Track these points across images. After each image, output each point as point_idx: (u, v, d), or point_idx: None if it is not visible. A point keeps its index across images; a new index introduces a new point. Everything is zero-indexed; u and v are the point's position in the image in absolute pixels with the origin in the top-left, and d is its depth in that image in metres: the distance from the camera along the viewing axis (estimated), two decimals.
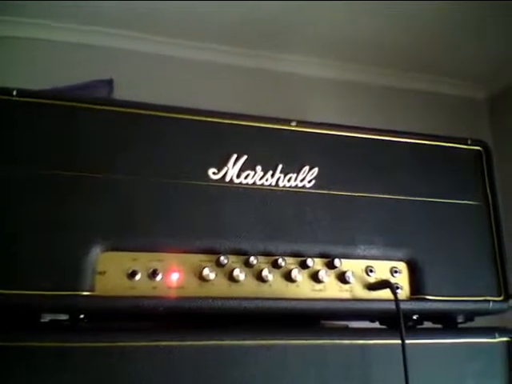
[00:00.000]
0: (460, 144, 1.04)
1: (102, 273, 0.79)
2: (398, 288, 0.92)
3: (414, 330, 0.97)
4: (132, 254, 0.81)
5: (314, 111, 1.91)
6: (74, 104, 0.85)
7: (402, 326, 0.83)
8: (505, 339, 0.95)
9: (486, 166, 1.04)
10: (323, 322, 1.03)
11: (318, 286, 0.89)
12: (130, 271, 0.80)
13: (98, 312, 0.80)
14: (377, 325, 1.08)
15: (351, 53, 2.01)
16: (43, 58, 1.70)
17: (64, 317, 0.80)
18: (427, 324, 1.03)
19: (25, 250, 0.76)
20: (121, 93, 1.39)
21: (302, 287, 0.88)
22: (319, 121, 0.98)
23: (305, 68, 2.03)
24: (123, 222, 0.81)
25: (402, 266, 0.95)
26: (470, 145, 1.05)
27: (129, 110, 0.87)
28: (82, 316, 0.81)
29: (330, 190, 0.93)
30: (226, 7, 1.67)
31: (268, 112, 0.98)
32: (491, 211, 1.02)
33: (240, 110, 0.94)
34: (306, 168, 0.93)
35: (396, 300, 0.85)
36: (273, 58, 1.98)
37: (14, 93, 0.82)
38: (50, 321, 0.79)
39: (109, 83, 1.42)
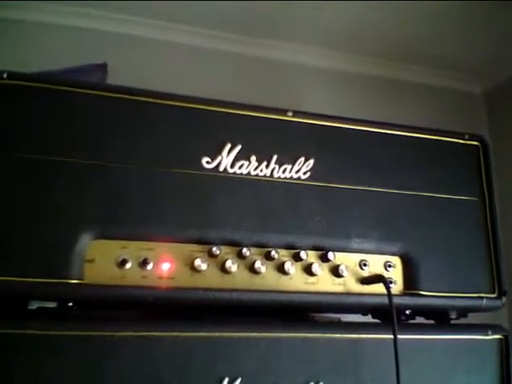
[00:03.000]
0: (457, 138, 1.03)
1: (91, 261, 0.78)
2: (391, 282, 0.91)
3: (407, 324, 0.97)
4: (122, 242, 0.80)
5: (310, 101, 1.89)
6: (64, 88, 0.83)
7: (395, 320, 0.82)
8: (498, 337, 0.94)
9: (483, 161, 1.03)
10: (316, 315, 1.02)
11: (311, 279, 0.88)
12: (120, 260, 0.78)
13: (86, 300, 0.78)
14: (369, 318, 1.07)
15: (349, 43, 1.99)
16: (36, 41, 1.68)
17: (52, 305, 0.78)
18: (420, 319, 1.02)
19: (13, 236, 0.75)
20: (115, 77, 1.37)
21: (295, 280, 0.87)
22: (315, 111, 0.97)
23: (302, 57, 2.01)
24: (113, 209, 0.80)
25: (396, 260, 0.94)
26: (468, 139, 1.04)
27: (121, 96, 0.85)
28: (70, 304, 0.80)
29: (325, 182, 0.92)
30: None
31: (263, 101, 0.97)
32: (487, 207, 1.01)
33: (235, 99, 0.93)
34: (302, 159, 0.91)
35: (389, 294, 0.84)
36: (270, 46, 1.96)
37: (5, 75, 0.81)
38: (38, 308, 0.77)
39: (102, 67, 1.40)
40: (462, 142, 1.04)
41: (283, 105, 0.96)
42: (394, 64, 2.12)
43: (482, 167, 1.03)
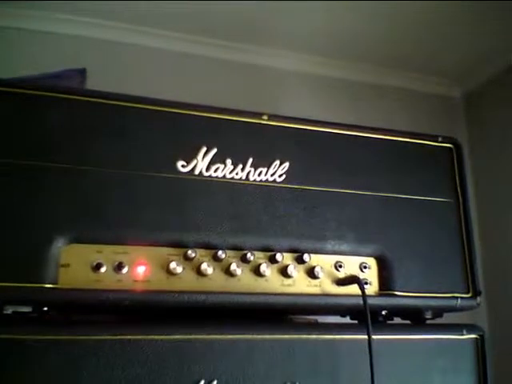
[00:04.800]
0: (431, 141, 1.05)
1: (66, 265, 0.78)
2: (366, 283, 0.92)
3: (383, 325, 0.97)
4: (97, 246, 0.80)
5: (288, 105, 1.90)
6: (40, 93, 0.83)
7: (369, 321, 0.83)
8: (473, 336, 0.96)
9: (457, 163, 1.05)
10: (293, 316, 1.02)
11: (287, 281, 0.88)
12: (95, 264, 0.78)
13: (61, 304, 0.79)
14: (347, 320, 1.08)
15: (327, 47, 2.00)
16: (15, 47, 1.68)
17: (27, 309, 0.78)
18: (397, 320, 1.03)
19: None
20: (94, 82, 1.37)
21: (271, 282, 0.87)
22: (293, 115, 0.98)
23: (279, 61, 2.02)
24: (88, 213, 0.80)
25: (371, 261, 0.95)
26: (441, 142, 1.05)
27: (96, 100, 0.86)
28: (45, 308, 0.80)
29: (300, 184, 0.93)
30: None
31: (241, 105, 0.97)
32: (461, 208, 1.02)
33: (212, 103, 0.93)
34: (277, 162, 0.92)
35: (363, 295, 0.85)
36: (246, 50, 1.97)
37: None
38: (13, 313, 0.77)
39: (81, 72, 1.40)
40: (435, 144, 1.05)
41: (263, 109, 0.97)
42: (375, 68, 2.14)
43: (456, 169, 1.04)
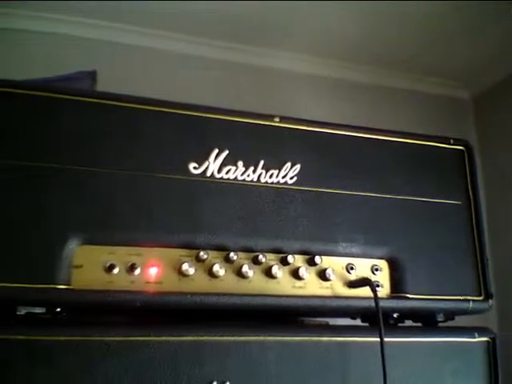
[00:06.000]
0: (442, 143, 1.05)
1: (79, 266, 0.78)
2: (378, 286, 0.92)
3: (394, 327, 0.97)
4: (110, 247, 0.80)
5: (299, 108, 1.90)
6: (52, 95, 0.84)
7: (381, 323, 0.83)
8: (484, 339, 0.95)
9: (468, 165, 1.04)
10: (304, 319, 1.02)
11: (299, 283, 0.88)
12: (108, 265, 0.79)
13: (74, 305, 0.79)
14: (358, 322, 1.08)
15: (338, 50, 2.00)
16: (26, 49, 1.69)
17: (40, 310, 0.78)
18: (408, 323, 1.03)
19: (1, 242, 0.75)
20: (104, 85, 1.37)
21: (282, 284, 0.87)
22: (303, 118, 0.98)
23: (291, 64, 2.02)
24: (101, 215, 0.80)
25: (382, 264, 0.95)
26: (453, 144, 1.05)
27: (108, 102, 0.86)
28: (58, 309, 0.80)
29: (311, 186, 0.93)
30: (217, 1, 1.67)
31: (252, 107, 0.97)
32: (473, 210, 1.02)
33: (223, 105, 0.94)
34: (288, 164, 0.92)
35: (375, 298, 0.85)
36: (258, 53, 1.97)
37: None
38: (26, 314, 0.77)
39: (92, 75, 1.41)
40: (447, 146, 1.05)
41: (273, 111, 0.97)
42: (387, 72, 2.14)
43: (468, 171, 1.04)
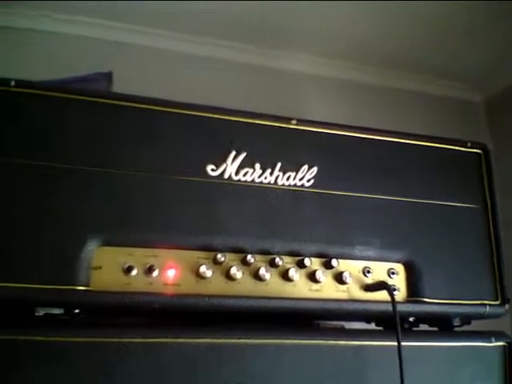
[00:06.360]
0: (460, 146, 1.04)
1: (98, 267, 0.78)
2: (394, 290, 0.91)
3: (410, 332, 0.97)
4: (128, 249, 0.80)
5: (313, 110, 1.90)
6: (71, 96, 0.84)
7: (399, 327, 0.83)
8: (501, 344, 0.95)
9: (486, 168, 1.04)
10: (320, 322, 1.02)
11: (315, 286, 0.88)
12: (126, 266, 0.79)
13: (92, 307, 0.79)
14: (373, 326, 1.07)
15: (347, 51, 2.00)
16: (43, 50, 1.70)
17: (59, 311, 0.78)
18: (423, 327, 1.02)
19: (20, 243, 0.75)
20: (119, 86, 1.38)
21: (299, 287, 0.87)
22: (317, 119, 0.98)
23: (306, 66, 2.02)
24: (119, 216, 0.80)
25: (399, 267, 0.94)
26: (470, 147, 1.05)
27: (126, 104, 0.86)
28: (77, 311, 0.80)
29: (328, 189, 0.92)
30: (228, 2, 1.67)
31: (267, 109, 0.97)
32: (489, 214, 1.02)
33: (240, 107, 0.94)
34: (305, 167, 0.92)
35: (393, 302, 0.84)
36: (275, 55, 1.97)
37: (12, 83, 0.81)
38: (45, 315, 0.78)
39: (108, 76, 1.41)
40: (464, 149, 1.04)
41: (288, 112, 0.97)
42: (397, 73, 2.13)
43: (485, 175, 1.04)
